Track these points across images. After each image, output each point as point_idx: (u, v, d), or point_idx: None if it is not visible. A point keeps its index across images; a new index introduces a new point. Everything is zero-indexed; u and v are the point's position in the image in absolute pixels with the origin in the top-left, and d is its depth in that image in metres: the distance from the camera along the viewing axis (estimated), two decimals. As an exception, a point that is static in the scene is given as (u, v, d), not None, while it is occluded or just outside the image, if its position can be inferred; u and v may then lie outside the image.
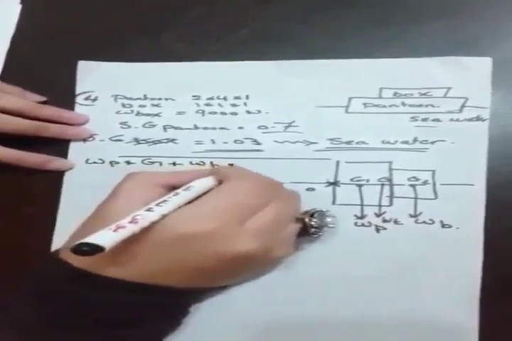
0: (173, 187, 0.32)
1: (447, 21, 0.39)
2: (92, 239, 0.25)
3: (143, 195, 0.31)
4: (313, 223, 0.33)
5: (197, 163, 0.38)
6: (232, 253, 0.29)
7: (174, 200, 0.30)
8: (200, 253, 0.29)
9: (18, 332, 0.29)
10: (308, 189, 0.36)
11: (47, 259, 0.31)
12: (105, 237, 0.26)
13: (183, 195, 0.31)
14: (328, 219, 0.33)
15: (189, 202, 0.30)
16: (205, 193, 0.31)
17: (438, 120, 0.37)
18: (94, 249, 0.25)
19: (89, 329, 0.30)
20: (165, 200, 0.30)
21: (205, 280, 0.32)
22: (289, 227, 0.33)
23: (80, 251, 0.25)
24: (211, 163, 0.38)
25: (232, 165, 0.38)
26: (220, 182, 0.33)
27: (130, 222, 0.27)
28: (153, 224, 0.28)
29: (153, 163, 0.39)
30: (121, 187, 0.32)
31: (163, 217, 0.29)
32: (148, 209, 0.29)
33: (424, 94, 0.37)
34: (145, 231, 0.28)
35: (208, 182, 0.33)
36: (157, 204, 0.29)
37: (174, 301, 0.31)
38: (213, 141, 0.39)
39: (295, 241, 0.34)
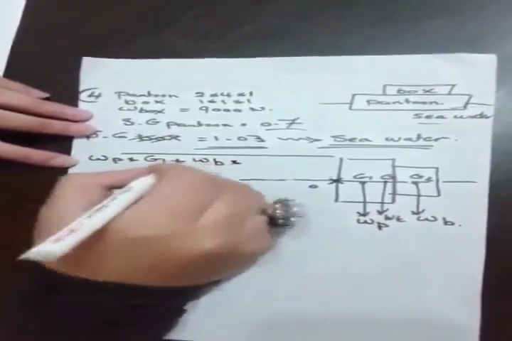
0: (112, 187, 0.32)
1: (450, 18, 0.38)
2: (40, 251, 0.25)
3: (81, 198, 0.30)
4: (277, 214, 0.33)
5: (200, 160, 0.38)
6: (195, 252, 0.29)
7: (115, 204, 0.29)
8: (160, 256, 0.29)
9: (13, 334, 0.30)
10: (311, 186, 0.36)
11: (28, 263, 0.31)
12: (52, 248, 0.25)
13: (122, 198, 0.30)
14: (295, 209, 0.33)
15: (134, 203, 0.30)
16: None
17: (442, 117, 0.37)
18: (45, 258, 0.25)
19: (84, 331, 0.30)
20: (104, 206, 0.29)
21: (179, 279, 0.31)
22: (252, 220, 0.32)
23: (30, 260, 0.25)
24: (214, 160, 0.38)
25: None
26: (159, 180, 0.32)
27: (68, 234, 0.26)
28: (106, 229, 0.28)
29: (156, 159, 0.39)
30: (56, 192, 0.31)
31: (107, 222, 0.28)
32: (89, 216, 0.28)
33: (428, 91, 0.37)
34: (99, 237, 0.28)
35: (147, 181, 0.32)
36: (97, 210, 0.28)
37: (161, 301, 0.31)
38: (216, 138, 0.39)
39: (270, 234, 0.33)
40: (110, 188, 0.32)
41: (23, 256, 0.25)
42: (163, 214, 0.29)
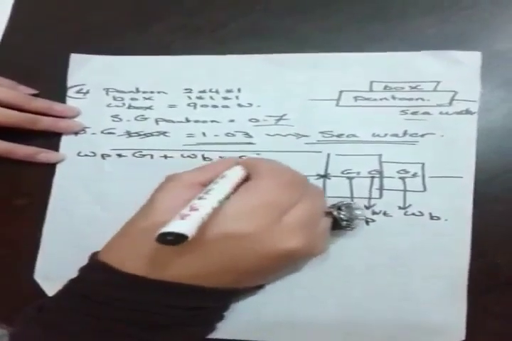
0: (208, 183, 0.32)
1: (437, 16, 0.39)
2: (173, 227, 0.25)
3: (185, 195, 0.30)
4: (342, 216, 0.33)
5: (188, 156, 0.39)
6: (277, 251, 0.29)
7: (218, 188, 0.30)
8: (247, 254, 0.29)
9: (58, 334, 0.30)
10: (298, 181, 0.37)
11: (91, 264, 0.32)
12: (183, 225, 0.26)
13: (222, 184, 0.31)
14: (357, 212, 0.34)
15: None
16: (239, 185, 0.32)
17: (428, 113, 0.37)
18: (179, 238, 0.25)
19: (133, 333, 0.30)
20: (209, 189, 0.30)
21: (252, 279, 0.32)
22: (322, 222, 0.33)
23: (164, 240, 0.25)
24: (202, 156, 0.39)
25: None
26: (248, 174, 0.33)
27: (191, 210, 0.27)
28: (202, 223, 0.28)
29: (144, 155, 0.39)
30: (164, 188, 0.32)
31: (220, 202, 0.29)
32: (200, 198, 0.29)
33: (414, 87, 0.38)
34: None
35: (239, 172, 0.33)
36: (206, 193, 0.29)
37: (217, 304, 0.32)
38: (204, 134, 0.39)
39: (329, 236, 0.34)
40: (204, 185, 0.32)
41: (158, 233, 0.25)
42: (254, 211, 0.30)
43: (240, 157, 0.38)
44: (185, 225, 0.26)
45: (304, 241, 0.30)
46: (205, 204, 0.28)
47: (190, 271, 0.30)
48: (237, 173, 0.33)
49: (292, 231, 0.30)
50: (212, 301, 0.31)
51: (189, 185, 0.32)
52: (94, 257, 0.32)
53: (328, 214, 0.33)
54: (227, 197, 0.30)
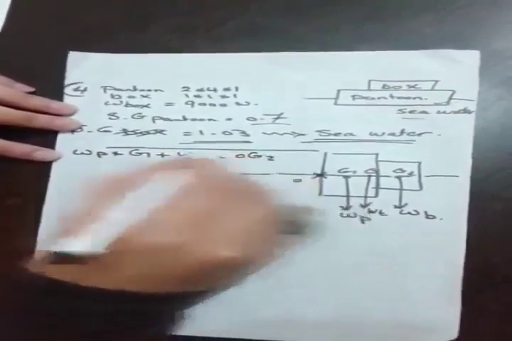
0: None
1: (435, 15, 0.42)
2: (68, 247, 0.26)
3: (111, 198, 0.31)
4: (293, 220, 0.34)
5: (185, 155, 0.41)
6: (212, 260, 0.30)
7: (142, 199, 0.30)
8: (180, 264, 0.30)
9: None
10: (295, 180, 0.39)
11: (21, 269, 0.32)
12: (74, 245, 0.26)
13: (151, 192, 0.31)
14: (309, 216, 0.34)
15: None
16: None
17: (425, 112, 0.40)
18: (73, 258, 0.26)
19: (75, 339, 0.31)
20: (135, 198, 0.30)
21: (194, 286, 0.33)
22: (269, 228, 0.33)
23: (58, 261, 0.26)
24: (199, 154, 0.41)
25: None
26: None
27: (102, 225, 0.28)
28: (124, 232, 0.29)
29: (141, 154, 0.42)
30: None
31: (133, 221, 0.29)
32: (119, 209, 0.29)
33: (412, 86, 0.41)
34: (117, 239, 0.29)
35: (172, 178, 0.33)
36: (128, 200, 0.30)
37: (158, 308, 0.33)
38: (202, 132, 0.42)
39: (282, 243, 0.34)
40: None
41: (57, 250, 0.26)
42: (184, 221, 0.30)
43: (237, 156, 0.41)
44: (84, 244, 0.26)
45: (241, 249, 0.30)
46: (120, 220, 0.28)
47: (123, 278, 0.30)
48: (171, 182, 0.32)
49: (224, 240, 0.31)
50: (155, 305, 0.32)
51: (116, 187, 0.32)
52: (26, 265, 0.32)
53: (278, 220, 0.33)
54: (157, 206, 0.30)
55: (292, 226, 0.34)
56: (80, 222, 0.29)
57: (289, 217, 0.34)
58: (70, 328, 0.31)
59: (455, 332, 0.35)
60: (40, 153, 0.43)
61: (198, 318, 0.37)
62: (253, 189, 0.35)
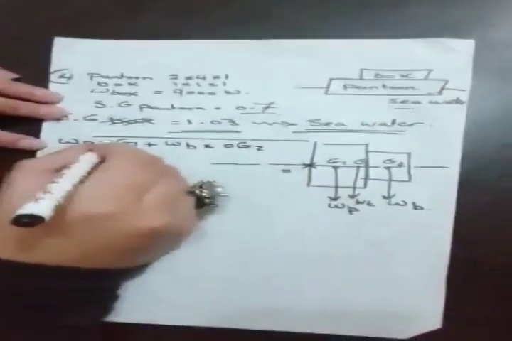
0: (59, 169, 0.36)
1: (431, 4, 0.43)
2: (27, 209, 0.29)
3: (37, 181, 0.34)
4: (204, 194, 0.39)
5: (172, 144, 0.43)
6: (141, 229, 0.34)
7: (71, 172, 0.34)
8: (111, 234, 0.34)
9: None
10: (284, 170, 0.41)
11: None
12: (37, 207, 0.29)
13: (74, 168, 0.35)
14: (218, 189, 0.39)
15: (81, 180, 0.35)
16: (94, 169, 0.36)
17: (417, 102, 0.41)
18: (34, 220, 0.29)
19: (16, 315, 0.34)
20: (62, 174, 0.34)
21: (128, 259, 0.36)
22: (185, 201, 0.38)
23: (20, 222, 0.29)
24: (187, 143, 0.43)
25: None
26: (102, 159, 0.37)
27: (45, 193, 0.31)
28: (56, 206, 0.31)
29: (128, 143, 0.43)
30: (13, 177, 0.35)
31: (74, 186, 0.33)
32: (53, 182, 0.32)
33: (405, 76, 0.42)
34: (57, 214, 0.31)
35: (92, 157, 0.38)
36: (59, 177, 0.33)
37: (97, 284, 0.36)
38: (190, 121, 0.43)
39: (195, 215, 0.39)
40: (57, 171, 0.36)
41: (14, 216, 0.29)
42: (111, 192, 0.34)
43: (226, 145, 0.43)
44: (39, 207, 0.29)
45: (168, 219, 0.35)
46: (59, 187, 0.32)
47: (60, 252, 0.34)
48: (90, 158, 0.37)
49: (154, 209, 0.35)
50: (93, 281, 0.35)
51: (40, 172, 0.35)
52: None
53: (190, 193, 0.38)
54: (82, 181, 0.34)
55: (205, 198, 0.39)
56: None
57: (200, 190, 0.39)
58: (13, 303, 0.34)
59: (439, 322, 0.37)
60: (26, 142, 0.44)
61: (187, 308, 0.39)
62: (170, 166, 0.40)
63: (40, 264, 0.33)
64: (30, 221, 0.29)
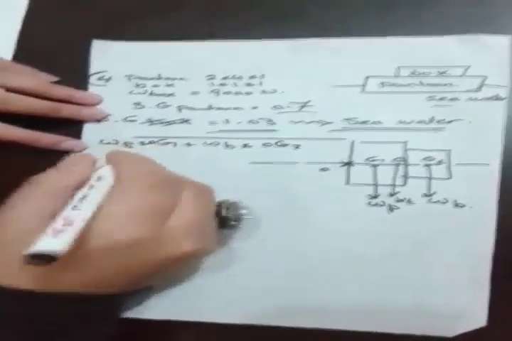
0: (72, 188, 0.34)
1: (465, 0, 0.43)
2: (44, 246, 0.26)
3: (51, 202, 0.32)
4: (230, 216, 0.38)
5: (211, 144, 0.44)
6: (173, 255, 0.33)
7: (93, 194, 0.32)
8: (133, 261, 0.32)
9: None
10: (322, 169, 0.41)
11: None
12: (56, 244, 0.27)
13: (99, 187, 0.33)
14: (244, 211, 0.39)
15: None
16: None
17: (456, 99, 0.42)
18: (50, 257, 0.26)
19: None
20: (84, 196, 0.32)
21: (145, 282, 0.37)
22: (212, 222, 0.36)
23: (35, 261, 0.27)
24: (225, 143, 0.43)
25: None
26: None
27: (65, 225, 0.28)
28: (82, 230, 0.29)
29: (167, 143, 0.44)
30: (26, 193, 0.34)
31: (94, 214, 0.31)
32: (74, 208, 0.30)
33: (442, 72, 0.42)
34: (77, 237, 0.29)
35: (108, 174, 0.35)
36: (79, 201, 0.31)
37: (107, 308, 0.35)
38: (227, 121, 0.44)
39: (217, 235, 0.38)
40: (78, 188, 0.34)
41: (28, 251, 0.26)
42: (129, 217, 0.32)
43: (263, 144, 0.43)
44: (58, 243, 0.27)
45: (199, 242, 0.34)
46: (80, 217, 0.29)
47: (76, 284, 0.32)
48: (110, 175, 0.35)
49: (182, 234, 0.33)
50: (105, 305, 0.35)
51: (57, 190, 0.33)
52: None
53: (216, 213, 0.37)
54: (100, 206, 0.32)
55: (230, 220, 0.38)
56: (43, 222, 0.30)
57: (226, 211, 0.38)
58: (13, 329, 0.32)
59: (484, 320, 0.37)
60: (68, 143, 0.45)
61: (226, 306, 0.40)
62: (191, 181, 0.37)
63: (54, 293, 0.32)
64: (46, 259, 0.27)
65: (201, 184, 0.37)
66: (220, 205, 0.38)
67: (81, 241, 0.30)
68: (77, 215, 0.30)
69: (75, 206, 0.30)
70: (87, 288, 0.32)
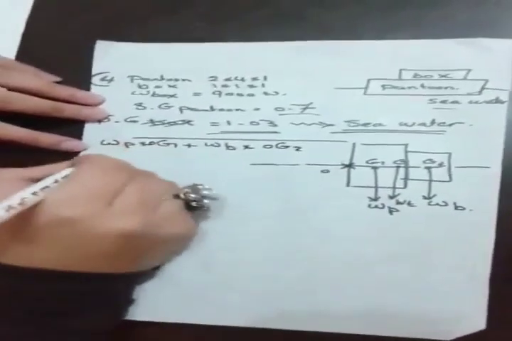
0: (35, 180, 0.36)
1: (468, 3, 0.44)
2: None
3: (8, 190, 0.34)
4: (189, 197, 0.39)
5: (212, 145, 0.44)
6: (110, 232, 0.35)
7: (39, 183, 0.35)
8: (83, 239, 0.34)
9: None
10: (323, 171, 0.42)
11: None
12: None
13: (48, 178, 0.36)
14: (205, 192, 0.40)
15: None
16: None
17: (457, 102, 0.42)
18: None
19: (21, 320, 0.35)
20: (47, 186, 0.35)
21: (104, 263, 0.36)
22: (166, 204, 0.38)
23: None
24: (226, 144, 0.44)
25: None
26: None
27: (20, 204, 0.32)
28: (29, 212, 0.33)
29: (168, 144, 0.44)
30: None
31: (34, 193, 0.33)
32: (34, 193, 0.33)
33: (444, 75, 0.43)
34: (22, 220, 0.33)
35: (68, 171, 0.38)
36: (41, 189, 0.34)
37: (97, 287, 0.36)
38: (229, 123, 0.44)
39: (189, 217, 0.40)
40: (35, 181, 0.36)
41: None
42: (79, 196, 0.35)
43: (265, 146, 0.43)
44: None
45: (140, 221, 0.35)
46: (17, 195, 0.32)
47: (27, 256, 0.35)
48: (66, 171, 0.37)
49: (124, 212, 0.35)
50: (86, 285, 0.36)
51: (16, 181, 0.37)
52: None
53: (176, 196, 0.39)
54: (52, 188, 0.35)
55: (190, 201, 0.40)
56: None
57: (185, 193, 0.40)
58: (14, 309, 0.35)
59: (483, 323, 0.37)
60: (68, 144, 0.45)
61: (225, 308, 0.40)
62: (144, 171, 0.40)
63: (12, 266, 0.34)
64: None
65: (145, 170, 0.40)
66: (180, 189, 0.40)
67: (31, 217, 0.33)
68: (31, 199, 0.33)
69: (35, 192, 0.33)
70: (45, 266, 0.35)
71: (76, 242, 0.35)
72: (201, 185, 0.40)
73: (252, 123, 0.44)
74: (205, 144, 0.44)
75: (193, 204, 0.40)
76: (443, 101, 0.42)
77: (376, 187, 0.41)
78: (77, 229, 0.34)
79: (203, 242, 0.41)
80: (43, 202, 0.34)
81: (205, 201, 0.40)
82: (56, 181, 0.36)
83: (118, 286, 0.38)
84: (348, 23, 0.46)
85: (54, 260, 0.35)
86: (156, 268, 0.41)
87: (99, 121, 0.46)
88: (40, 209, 0.34)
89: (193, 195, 0.40)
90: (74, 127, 0.46)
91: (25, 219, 0.33)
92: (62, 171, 0.38)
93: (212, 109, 0.45)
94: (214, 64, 0.46)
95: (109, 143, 0.45)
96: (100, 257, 0.36)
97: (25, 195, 0.33)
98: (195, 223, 0.41)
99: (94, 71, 0.48)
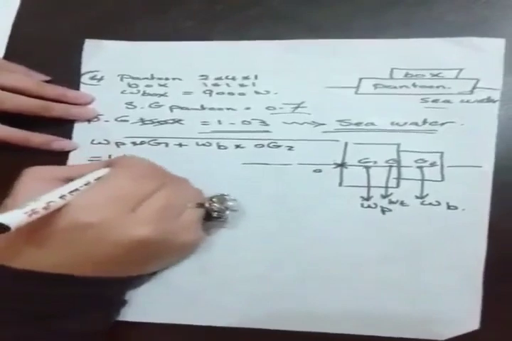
0: (70, 180, 0.37)
1: (460, 2, 0.44)
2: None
3: (41, 190, 0.34)
4: (213, 207, 0.39)
5: (203, 144, 0.44)
6: (126, 239, 0.34)
7: (70, 184, 0.35)
8: (98, 243, 0.34)
9: None
10: (315, 170, 0.41)
11: None
12: (13, 218, 0.30)
13: (79, 180, 0.36)
14: (230, 203, 0.40)
15: None
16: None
17: (448, 101, 0.42)
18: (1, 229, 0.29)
19: (18, 322, 0.34)
20: (77, 189, 0.34)
21: (114, 268, 0.37)
22: (189, 213, 0.38)
23: None
24: (217, 144, 0.43)
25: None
26: None
27: (44, 208, 0.31)
28: (48, 216, 0.32)
29: (159, 143, 0.44)
30: (19, 183, 0.36)
31: (62, 196, 0.33)
32: (62, 197, 0.33)
33: (435, 75, 0.42)
34: (44, 221, 0.33)
35: (102, 172, 0.38)
36: (70, 193, 0.34)
37: (96, 291, 0.36)
38: (220, 122, 0.44)
39: (203, 226, 0.40)
40: (69, 181, 0.37)
41: None
42: (103, 202, 0.34)
43: (256, 145, 0.43)
44: (7, 216, 0.30)
45: (157, 229, 0.35)
46: (44, 198, 0.32)
47: (40, 260, 0.34)
48: (97, 174, 0.37)
49: (144, 220, 0.35)
50: (87, 288, 0.36)
51: (48, 180, 0.36)
52: None
53: (200, 205, 0.39)
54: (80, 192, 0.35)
55: (213, 211, 0.39)
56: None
57: (210, 203, 0.39)
58: (14, 311, 0.34)
59: (477, 323, 0.37)
60: (58, 143, 0.45)
61: (219, 309, 0.40)
62: (176, 177, 0.40)
63: (23, 270, 0.34)
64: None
65: (178, 177, 0.40)
66: (206, 198, 0.40)
67: (49, 220, 0.33)
68: (59, 203, 0.33)
69: (63, 195, 0.33)
70: (60, 269, 0.34)
71: (88, 247, 0.35)
72: (228, 195, 0.40)
73: (243, 122, 0.44)
74: (197, 143, 0.44)
75: (214, 214, 0.40)
76: (435, 101, 0.42)
77: (369, 187, 0.41)
78: (92, 234, 0.34)
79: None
80: (66, 206, 0.33)
81: (227, 212, 0.40)
82: (88, 183, 0.36)
83: (115, 289, 0.38)
84: (339, 22, 0.45)
85: (61, 264, 0.35)
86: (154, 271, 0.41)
87: (89, 120, 0.46)
88: (61, 213, 0.33)
89: (217, 205, 0.39)
90: (63, 127, 0.46)
91: (42, 222, 0.33)
92: (94, 172, 0.37)
93: (203, 108, 0.45)
94: (205, 63, 0.46)
95: (99, 143, 0.45)
96: (111, 263, 0.36)
97: (51, 199, 0.32)
98: (204, 233, 0.40)
99: (83, 70, 0.47)
